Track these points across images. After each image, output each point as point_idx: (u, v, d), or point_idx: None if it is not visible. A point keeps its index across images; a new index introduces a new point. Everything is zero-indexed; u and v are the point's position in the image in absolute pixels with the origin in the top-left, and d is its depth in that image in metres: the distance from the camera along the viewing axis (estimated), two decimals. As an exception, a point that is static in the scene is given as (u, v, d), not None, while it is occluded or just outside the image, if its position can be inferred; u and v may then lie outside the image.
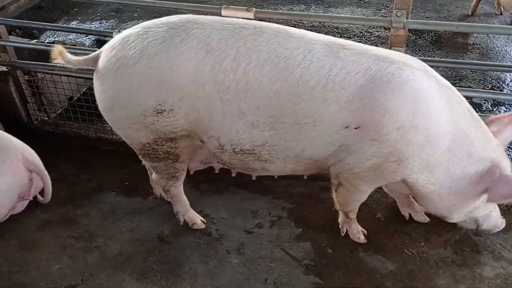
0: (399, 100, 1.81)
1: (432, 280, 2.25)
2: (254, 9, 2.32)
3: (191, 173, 2.45)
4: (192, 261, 2.37)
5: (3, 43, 2.97)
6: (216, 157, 2.16)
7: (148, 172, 2.65)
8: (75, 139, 3.18)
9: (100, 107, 2.07)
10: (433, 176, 1.97)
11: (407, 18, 2.27)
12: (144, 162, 2.46)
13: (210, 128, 1.97)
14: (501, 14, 4.98)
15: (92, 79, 2.05)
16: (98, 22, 5.12)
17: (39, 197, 2.68)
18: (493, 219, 2.26)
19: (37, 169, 2.57)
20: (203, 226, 2.53)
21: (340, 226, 2.45)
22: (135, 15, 5.17)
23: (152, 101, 1.92)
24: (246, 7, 2.35)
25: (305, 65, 1.82)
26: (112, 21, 5.10)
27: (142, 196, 2.77)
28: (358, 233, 2.43)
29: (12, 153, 2.46)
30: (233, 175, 2.41)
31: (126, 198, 2.76)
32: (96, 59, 2.00)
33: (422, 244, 2.43)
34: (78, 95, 3.47)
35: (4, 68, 3.09)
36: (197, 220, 2.54)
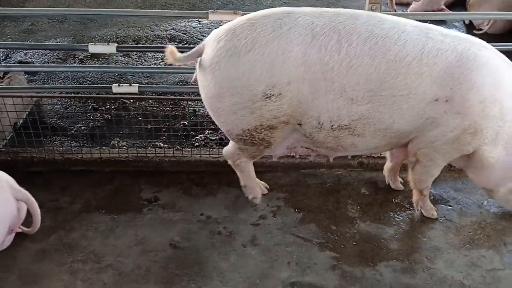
0: (483, 76, 2.11)
1: (427, 234, 2.57)
2: (241, 12, 2.44)
3: (275, 159, 2.60)
4: (213, 259, 2.40)
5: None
6: (307, 139, 2.28)
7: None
8: (40, 164, 2.97)
9: (207, 96, 2.16)
10: (495, 149, 2.28)
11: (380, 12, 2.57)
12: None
13: (311, 108, 2.11)
14: (395, 11, 5.64)
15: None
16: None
17: (24, 228, 2.48)
18: None
19: (25, 197, 2.38)
20: (259, 202, 2.70)
21: (414, 204, 2.66)
22: (50, 34, 4.88)
23: (262, 86, 2.06)
24: (233, 10, 2.46)
25: (401, 43, 2.06)
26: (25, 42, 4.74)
27: (135, 210, 2.70)
28: (431, 209, 2.65)
29: (1, 182, 2.27)
30: (311, 159, 2.70)
31: (119, 214, 2.67)
32: (199, 53, 2.13)
33: (408, 207, 2.75)
34: (23, 117, 3.27)
35: None
36: (258, 195, 2.68)
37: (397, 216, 2.70)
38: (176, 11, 2.53)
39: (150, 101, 3.70)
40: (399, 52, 2.08)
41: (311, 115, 2.17)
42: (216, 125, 2.46)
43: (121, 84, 2.72)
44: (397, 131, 2.26)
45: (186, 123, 3.44)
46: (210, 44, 2.12)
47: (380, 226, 2.63)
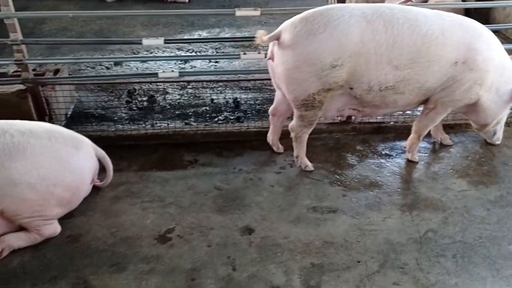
0: (482, 43, 2.97)
1: (411, 171, 3.34)
2: (260, 8, 3.22)
3: (327, 121, 3.49)
4: (250, 196, 3.09)
5: (28, 62, 3.34)
6: (355, 100, 3.04)
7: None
8: (97, 141, 3.61)
9: (286, 68, 2.89)
10: (490, 94, 3.13)
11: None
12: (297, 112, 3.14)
13: (364, 75, 2.88)
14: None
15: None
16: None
17: (98, 182, 3.12)
18: (499, 133, 3.54)
19: (102, 155, 3.04)
20: (313, 169, 3.32)
21: (408, 148, 3.44)
22: (75, 47, 5.57)
23: (330, 58, 2.81)
24: (253, 8, 3.24)
25: (428, 24, 2.89)
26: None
27: (181, 168, 3.38)
28: (416, 154, 3.44)
29: (87, 142, 2.92)
30: (358, 120, 3.62)
31: (169, 171, 3.34)
32: (277, 37, 2.90)
33: (394, 155, 3.52)
34: (72, 108, 3.97)
35: (21, 86, 3.44)
36: (309, 163, 3.33)
37: (388, 162, 3.46)
38: (208, 10, 3.24)
39: (175, 93, 4.43)
40: (429, 30, 2.88)
41: (363, 81, 2.92)
42: (233, 108, 3.11)
43: (164, 71, 3.42)
44: (428, 88, 3.03)
45: (207, 108, 4.18)
46: (287, 30, 2.88)
47: (375, 169, 3.38)
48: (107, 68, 5.11)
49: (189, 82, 4.31)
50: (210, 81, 4.34)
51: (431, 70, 2.96)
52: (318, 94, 2.96)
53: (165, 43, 3.40)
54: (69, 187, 2.69)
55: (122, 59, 5.09)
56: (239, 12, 3.22)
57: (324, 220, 2.87)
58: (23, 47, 3.29)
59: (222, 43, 5.79)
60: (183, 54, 5.45)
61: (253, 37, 2.96)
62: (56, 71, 3.92)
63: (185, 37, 6.02)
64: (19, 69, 3.45)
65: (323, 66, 2.86)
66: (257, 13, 3.23)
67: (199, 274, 2.48)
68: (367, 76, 2.92)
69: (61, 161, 2.65)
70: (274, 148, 3.54)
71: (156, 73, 3.49)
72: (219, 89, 4.58)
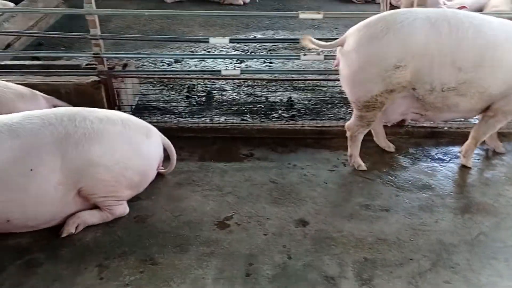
0: None
1: (463, 173, 3.38)
2: (322, 12, 3.35)
3: (389, 125, 3.49)
4: (304, 190, 3.21)
5: (104, 55, 3.61)
6: (418, 102, 3.10)
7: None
8: (160, 131, 3.84)
9: (351, 70, 3.02)
10: None
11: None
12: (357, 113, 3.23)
13: (426, 76, 2.94)
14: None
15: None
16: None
17: (162, 169, 3.33)
18: None
19: (167, 144, 3.25)
20: (366, 168, 3.41)
21: (463, 153, 3.45)
22: (138, 43, 5.86)
23: (394, 59, 2.91)
24: (316, 11, 3.37)
25: (493, 29, 2.94)
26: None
27: (238, 160, 3.55)
28: (471, 159, 3.47)
29: (155, 131, 3.14)
30: (420, 123, 3.61)
31: (227, 162, 3.52)
32: (342, 42, 3.04)
33: (446, 159, 3.56)
34: (136, 101, 4.22)
35: (96, 78, 3.71)
36: (362, 163, 3.42)
37: (441, 166, 3.50)
38: (271, 12, 3.41)
39: (231, 91, 4.62)
40: (494, 35, 2.93)
41: (425, 81, 2.98)
42: (288, 107, 3.27)
43: (227, 69, 3.61)
44: (489, 94, 3.06)
45: (262, 106, 4.35)
46: (352, 35, 3.01)
47: (428, 172, 3.43)
48: (168, 65, 5.36)
49: (248, 79, 4.47)
50: (268, 79, 4.50)
51: (494, 76, 3.00)
52: (380, 95, 3.05)
53: (230, 42, 3.59)
54: (139, 171, 2.91)
55: (200, 57, 5.34)
56: (302, 15, 3.36)
57: (377, 218, 2.96)
58: (101, 41, 3.55)
59: (276, 44, 5.95)
60: (237, 53, 5.64)
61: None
62: (124, 65, 4.18)
63: (241, 38, 6.19)
64: (95, 62, 3.72)
65: (387, 67, 2.95)
66: (319, 16, 3.36)
67: (256, 259, 2.63)
68: (430, 76, 2.98)
69: (133, 147, 2.87)
70: (386, 148, 3.63)
71: (219, 71, 3.68)
72: (273, 88, 4.74)
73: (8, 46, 5.67)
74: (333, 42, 3.08)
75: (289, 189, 3.24)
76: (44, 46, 5.92)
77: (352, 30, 3.08)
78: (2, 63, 4.54)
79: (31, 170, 2.59)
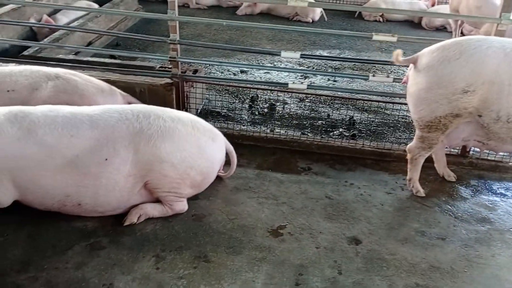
0: None
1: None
2: (397, 34, 3.38)
3: (450, 149, 3.47)
4: (359, 210, 3.22)
5: (179, 60, 3.81)
6: (482, 130, 3.07)
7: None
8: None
9: (418, 88, 3.04)
10: None
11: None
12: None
13: (494, 104, 2.90)
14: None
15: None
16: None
17: (222, 172, 3.44)
18: None
19: (230, 149, 3.37)
20: (424, 195, 3.37)
21: None
22: (208, 51, 6.11)
23: (463, 84, 2.91)
24: (391, 34, 3.40)
25: None
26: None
27: (295, 173, 3.61)
28: None
29: (221, 136, 3.27)
30: (481, 152, 3.55)
31: (284, 174, 3.59)
32: (414, 60, 3.08)
33: (506, 194, 3.46)
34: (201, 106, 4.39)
35: (169, 80, 3.92)
36: (421, 189, 3.38)
37: (502, 201, 3.41)
38: (343, 31, 3.49)
39: (294, 105, 4.71)
40: None
41: (492, 109, 2.94)
42: (349, 125, 3.23)
43: (294, 82, 3.70)
44: None
45: (324, 122, 4.40)
46: (425, 55, 3.05)
47: (488, 205, 3.34)
48: (234, 74, 5.55)
49: (314, 95, 4.54)
50: (333, 96, 4.55)
51: None
52: (444, 118, 3.03)
53: (301, 57, 3.68)
54: (201, 172, 3.04)
55: (271, 69, 5.51)
56: (376, 37, 3.40)
57: (432, 245, 2.92)
58: (178, 46, 3.76)
59: (342, 63, 6.01)
60: (299, 68, 5.74)
61: (385, 61, 3.14)
62: (195, 71, 4.38)
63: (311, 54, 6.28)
64: (167, 65, 3.93)
65: (455, 91, 2.94)
66: (393, 39, 3.38)
67: (306, 270, 2.67)
68: (497, 105, 2.93)
69: (199, 148, 3.00)
70: (446, 177, 3.57)
71: (286, 84, 3.78)
72: (336, 106, 4.78)
73: (89, 44, 6.07)
74: (406, 58, 3.12)
75: (344, 206, 3.26)
76: (121, 47, 6.30)
77: (426, 50, 3.10)
78: (84, 59, 4.89)
79: (106, 159, 2.77)
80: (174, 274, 2.58)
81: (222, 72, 5.62)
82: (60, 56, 5.00)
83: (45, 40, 5.58)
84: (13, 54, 5.03)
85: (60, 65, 3.93)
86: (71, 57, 5.01)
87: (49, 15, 6.37)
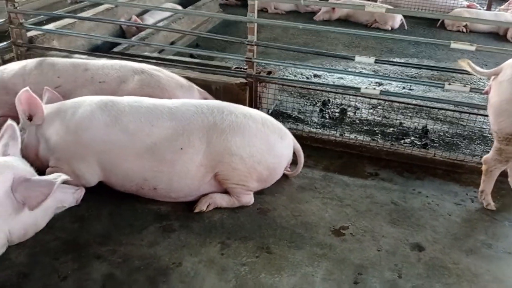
0: None
1: None
2: (475, 44, 3.31)
3: None
4: (425, 218, 3.18)
5: (255, 60, 3.98)
6: None
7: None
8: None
9: (500, 99, 3.00)
10: None
11: None
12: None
13: None
14: None
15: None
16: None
17: (288, 170, 3.54)
18: None
19: (298, 149, 3.46)
20: (495, 208, 3.29)
21: None
22: (282, 55, 6.25)
23: None
24: (469, 43, 3.34)
25: None
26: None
27: (361, 177, 3.63)
28: None
29: (290, 135, 3.37)
30: None
31: (350, 177, 3.62)
32: (497, 72, 3.05)
33: None
34: (273, 107, 4.52)
35: (243, 80, 4.10)
36: (492, 202, 3.30)
37: None
38: (420, 38, 3.48)
39: (365, 111, 4.72)
40: None
41: None
42: (421, 135, 3.22)
43: (367, 87, 3.73)
44: None
45: (395, 130, 4.37)
46: (510, 66, 3.00)
47: None
48: (307, 78, 5.64)
49: (387, 101, 4.53)
50: (407, 103, 4.51)
51: None
52: None
53: (375, 62, 3.70)
54: (269, 168, 3.16)
55: (348, 73, 5.49)
56: (454, 45, 3.35)
57: (498, 258, 2.83)
58: (255, 48, 3.92)
59: (419, 72, 5.90)
60: (373, 74, 5.71)
61: (463, 71, 3.11)
62: (269, 72, 4.52)
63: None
64: (242, 67, 4.11)
65: None
66: (472, 48, 3.31)
67: (366, 271, 2.70)
68: None
69: (268, 145, 3.13)
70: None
71: (359, 88, 3.81)
72: (409, 114, 4.72)
73: (172, 43, 6.44)
74: (489, 70, 3.06)
75: (409, 213, 3.23)
76: (200, 48, 6.61)
77: (510, 61, 3.03)
78: (166, 57, 5.21)
79: (181, 149, 2.97)
80: (237, 260, 2.71)
81: (295, 76, 5.73)
82: (146, 53, 5.37)
83: (133, 38, 6.01)
84: (104, 50, 5.46)
85: (145, 61, 4.24)
86: (155, 55, 5.37)
87: (137, 16, 6.84)
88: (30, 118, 3.10)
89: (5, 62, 4.62)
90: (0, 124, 3.45)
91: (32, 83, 3.53)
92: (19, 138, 2.79)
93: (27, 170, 2.60)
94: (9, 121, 2.79)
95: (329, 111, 4.73)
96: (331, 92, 4.53)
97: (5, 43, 4.70)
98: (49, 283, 2.50)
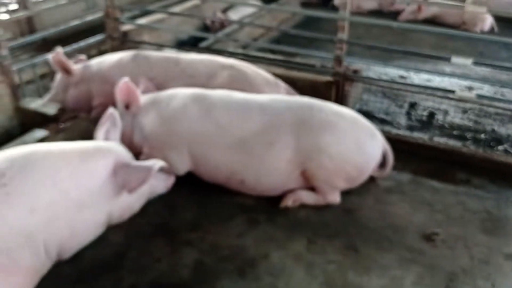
0: None
1: None
2: None
3: None
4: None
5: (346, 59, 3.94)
6: None
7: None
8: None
9: None
10: None
11: None
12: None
13: None
14: None
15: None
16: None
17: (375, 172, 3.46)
18: None
19: (387, 150, 3.35)
20: None
21: None
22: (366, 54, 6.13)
23: None
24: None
25: None
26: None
27: (450, 182, 3.48)
28: None
29: (379, 135, 3.26)
30: None
31: (439, 182, 3.46)
32: None
33: None
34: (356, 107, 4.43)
35: (330, 78, 4.06)
36: None
37: None
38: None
39: (456, 115, 4.51)
40: None
41: None
42: None
43: (462, 90, 3.56)
44: None
45: (487, 136, 4.14)
46: None
47: None
48: (391, 78, 5.48)
49: (481, 104, 4.30)
50: (505, 109, 4.26)
51: None
52: None
53: (473, 64, 3.53)
54: (357, 167, 3.10)
55: (447, 75, 5.26)
56: None
57: None
58: (344, 45, 3.87)
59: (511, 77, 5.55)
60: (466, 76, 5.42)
61: None
62: (355, 71, 4.44)
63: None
64: (330, 64, 4.07)
65: None
66: None
67: (457, 278, 2.59)
68: None
69: (358, 144, 3.07)
70: None
71: (453, 91, 3.65)
72: (502, 120, 4.46)
73: (254, 40, 6.52)
74: None
75: (504, 223, 3.06)
76: (282, 44, 6.62)
77: None
78: (250, 53, 5.28)
79: (270, 144, 3.00)
80: (324, 258, 2.70)
81: (378, 76, 5.58)
82: (230, 49, 5.47)
83: (218, 34, 6.15)
84: (189, 45, 5.63)
85: (231, 57, 4.32)
86: (239, 51, 5.46)
87: (222, 11, 7.00)
88: (127, 107, 3.26)
89: (101, 53, 4.89)
90: (99, 111, 3.67)
91: (128, 74, 3.72)
92: (120, 126, 2.94)
93: (127, 155, 2.73)
94: (111, 109, 2.95)
95: (416, 113, 4.57)
96: (422, 93, 4.36)
97: (101, 36, 4.99)
98: (145, 263, 2.62)
